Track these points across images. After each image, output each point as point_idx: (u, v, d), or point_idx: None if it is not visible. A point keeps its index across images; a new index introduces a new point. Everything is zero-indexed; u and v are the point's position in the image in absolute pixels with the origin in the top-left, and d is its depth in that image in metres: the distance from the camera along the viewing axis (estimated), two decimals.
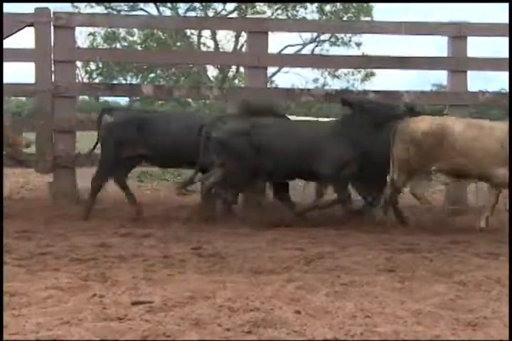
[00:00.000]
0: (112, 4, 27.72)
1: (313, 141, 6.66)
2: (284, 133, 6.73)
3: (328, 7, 28.83)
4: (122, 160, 7.01)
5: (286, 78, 50.75)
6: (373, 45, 47.37)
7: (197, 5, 28.42)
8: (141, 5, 28.23)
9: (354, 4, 28.35)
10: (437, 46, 20.14)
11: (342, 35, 29.11)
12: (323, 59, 10.66)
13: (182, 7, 28.65)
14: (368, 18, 26.79)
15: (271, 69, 23.94)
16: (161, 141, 6.96)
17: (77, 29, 8.51)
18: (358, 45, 29.13)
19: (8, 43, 7.64)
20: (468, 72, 7.97)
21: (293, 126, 6.98)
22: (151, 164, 7.38)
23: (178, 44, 28.88)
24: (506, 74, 7.71)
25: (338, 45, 29.89)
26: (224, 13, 28.69)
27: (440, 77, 27.81)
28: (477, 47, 8.36)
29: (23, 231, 6.14)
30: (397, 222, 6.73)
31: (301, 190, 8.00)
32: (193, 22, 9.42)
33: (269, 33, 8.05)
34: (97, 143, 7.14)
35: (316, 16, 28.32)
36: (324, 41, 30.16)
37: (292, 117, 7.66)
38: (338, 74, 30.58)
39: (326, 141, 6.63)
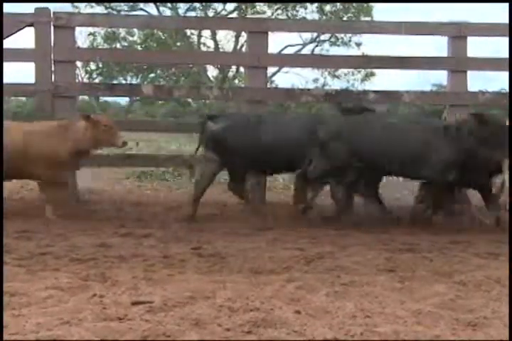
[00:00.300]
0: (112, 4, 27.70)
1: (420, 142, 6.62)
2: (389, 132, 6.71)
3: (328, 7, 28.81)
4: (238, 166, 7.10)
5: (286, 78, 50.80)
6: (373, 45, 47.47)
7: (197, 5, 28.40)
8: (141, 5, 28.23)
9: (354, 4, 28.32)
10: (437, 46, 20.17)
11: (342, 35, 29.10)
12: (323, 59, 10.65)
13: (182, 7, 28.65)
14: (368, 18, 26.78)
15: (271, 69, 23.97)
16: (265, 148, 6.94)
17: (77, 29, 8.52)
18: (358, 45, 29.13)
19: (8, 43, 7.65)
20: (468, 72, 7.97)
21: (399, 126, 6.88)
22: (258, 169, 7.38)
23: (178, 44, 28.87)
24: (506, 74, 7.71)
25: (338, 45, 29.89)
26: (224, 13, 28.67)
27: (440, 77, 27.84)
28: (477, 47, 8.37)
29: (23, 231, 6.14)
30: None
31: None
32: (193, 22, 9.41)
33: (269, 33, 8.04)
34: (198, 148, 7.13)
35: (316, 16, 28.29)
36: (324, 41, 30.14)
37: None
38: (338, 74, 30.56)
39: (434, 144, 6.60)
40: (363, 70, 27.68)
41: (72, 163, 6.94)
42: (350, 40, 29.59)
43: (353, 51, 28.28)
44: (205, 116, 7.29)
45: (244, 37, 24.65)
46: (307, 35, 29.64)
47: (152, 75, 30.24)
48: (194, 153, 7.20)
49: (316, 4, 28.59)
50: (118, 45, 29.41)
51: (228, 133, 6.97)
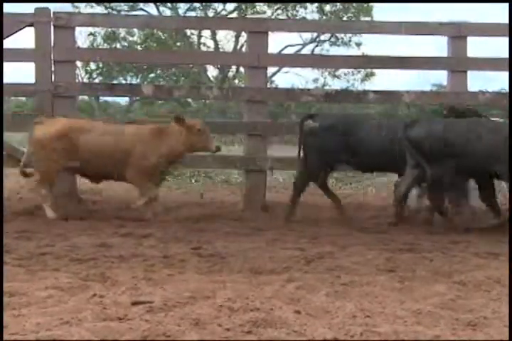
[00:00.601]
0: (112, 4, 27.71)
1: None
2: (479, 133, 6.58)
3: (328, 7, 28.83)
4: (328, 164, 7.13)
5: (286, 78, 50.71)
6: (373, 45, 47.37)
7: (197, 5, 28.42)
8: (141, 5, 28.24)
9: (354, 4, 28.34)
10: (437, 46, 20.15)
11: (342, 35, 29.11)
12: (323, 59, 10.66)
13: (182, 7, 28.67)
14: (368, 18, 26.77)
15: (271, 69, 23.94)
16: (366, 148, 6.97)
17: (77, 29, 8.51)
18: (358, 45, 29.13)
19: (8, 43, 7.65)
20: (468, 72, 7.97)
21: (489, 126, 6.77)
22: (354, 169, 7.41)
23: (178, 44, 28.87)
24: (506, 74, 7.71)
25: (338, 45, 29.90)
26: (224, 13, 28.68)
27: (440, 77, 27.77)
28: (477, 47, 8.37)
29: (23, 231, 6.14)
30: None
31: None
32: (193, 22, 9.41)
33: (269, 33, 8.05)
34: (300, 149, 7.13)
35: (316, 16, 28.31)
36: (324, 41, 30.15)
37: None
38: (338, 74, 30.55)
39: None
40: (362, 70, 27.67)
41: (164, 167, 7.07)
42: (350, 40, 29.61)
43: (353, 51, 28.31)
44: (305, 115, 7.35)
45: (244, 37, 24.65)
46: (307, 35, 29.68)
47: (152, 75, 30.22)
48: (297, 154, 7.17)
49: (316, 4, 28.61)
50: (118, 45, 29.40)
51: (326, 131, 7.01)
